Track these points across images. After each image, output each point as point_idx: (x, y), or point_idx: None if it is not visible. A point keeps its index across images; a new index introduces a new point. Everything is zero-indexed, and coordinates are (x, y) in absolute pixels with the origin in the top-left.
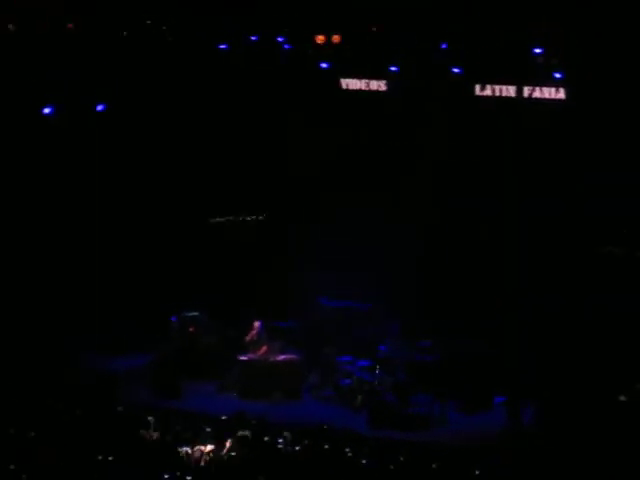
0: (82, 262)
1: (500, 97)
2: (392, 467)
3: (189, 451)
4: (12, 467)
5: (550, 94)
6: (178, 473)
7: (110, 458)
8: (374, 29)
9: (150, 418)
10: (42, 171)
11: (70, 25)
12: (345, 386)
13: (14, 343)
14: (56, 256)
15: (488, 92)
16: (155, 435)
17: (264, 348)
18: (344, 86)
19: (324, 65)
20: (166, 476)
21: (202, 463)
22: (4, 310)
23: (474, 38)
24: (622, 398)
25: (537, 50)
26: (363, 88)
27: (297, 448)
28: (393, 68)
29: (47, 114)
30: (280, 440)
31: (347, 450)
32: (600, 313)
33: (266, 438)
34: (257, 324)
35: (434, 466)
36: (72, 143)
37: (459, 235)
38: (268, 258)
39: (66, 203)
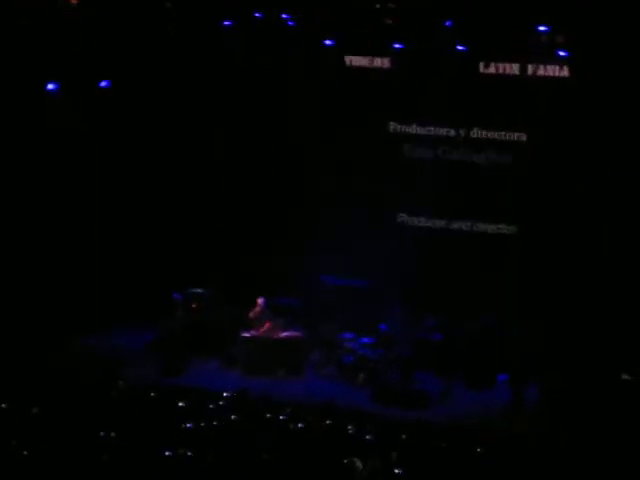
0: (82, 239)
1: (504, 74)
2: (395, 444)
3: None
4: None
5: (554, 72)
6: (180, 450)
7: (112, 434)
8: (378, 6)
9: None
10: (46, 151)
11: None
12: (348, 363)
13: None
14: (56, 232)
15: (492, 70)
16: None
17: (267, 325)
18: (348, 63)
19: (328, 42)
20: (167, 453)
21: None
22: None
23: (479, 15)
24: (625, 377)
25: (542, 28)
26: (367, 65)
27: (300, 425)
28: (397, 45)
29: (51, 90)
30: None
31: (350, 427)
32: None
33: (268, 415)
34: (260, 301)
35: (437, 443)
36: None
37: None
38: (271, 235)
39: (67, 178)
